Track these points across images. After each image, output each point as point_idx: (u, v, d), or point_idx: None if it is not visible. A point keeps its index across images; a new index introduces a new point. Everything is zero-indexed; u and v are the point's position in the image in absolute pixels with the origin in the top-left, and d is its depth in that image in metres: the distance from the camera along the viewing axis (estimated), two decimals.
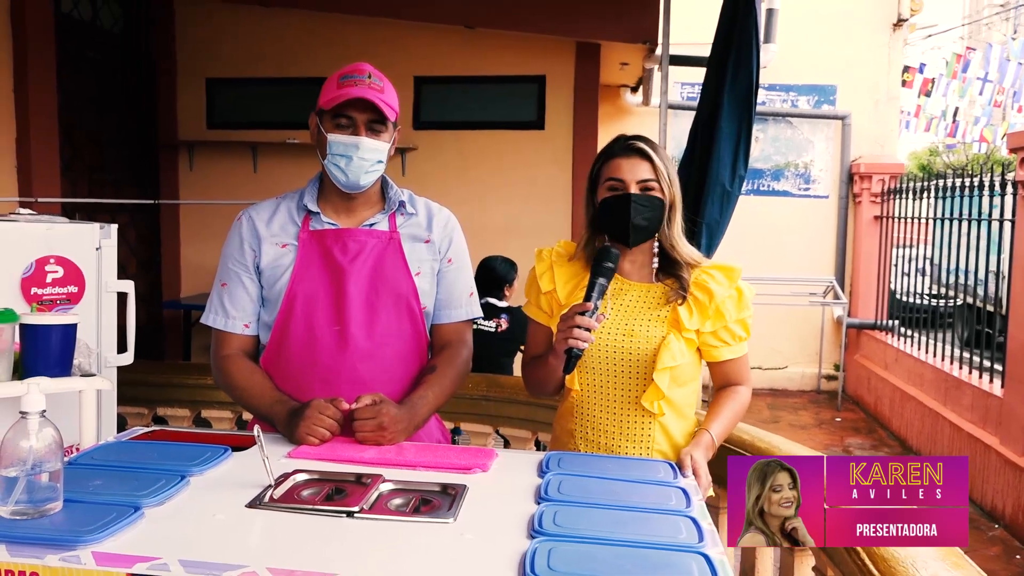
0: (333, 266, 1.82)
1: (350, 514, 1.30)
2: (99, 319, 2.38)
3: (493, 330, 4.03)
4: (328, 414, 1.67)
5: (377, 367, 1.83)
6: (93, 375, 1.89)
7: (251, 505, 1.33)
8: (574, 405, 1.84)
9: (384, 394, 1.77)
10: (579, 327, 1.63)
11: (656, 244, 1.83)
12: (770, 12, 6.31)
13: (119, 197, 5.73)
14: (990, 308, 6.39)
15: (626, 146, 1.79)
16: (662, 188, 1.78)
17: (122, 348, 2.49)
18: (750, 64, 3.55)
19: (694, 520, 1.31)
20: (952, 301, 6.96)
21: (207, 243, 6.11)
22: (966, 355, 6.02)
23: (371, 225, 1.87)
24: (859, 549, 1.71)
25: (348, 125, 1.78)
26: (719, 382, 1.88)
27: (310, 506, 1.34)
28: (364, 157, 1.79)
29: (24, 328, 1.79)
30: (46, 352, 1.79)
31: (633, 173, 1.76)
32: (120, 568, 1.09)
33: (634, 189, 1.76)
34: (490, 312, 4.07)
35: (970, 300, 7.06)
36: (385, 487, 1.44)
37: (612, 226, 1.79)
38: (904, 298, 7.40)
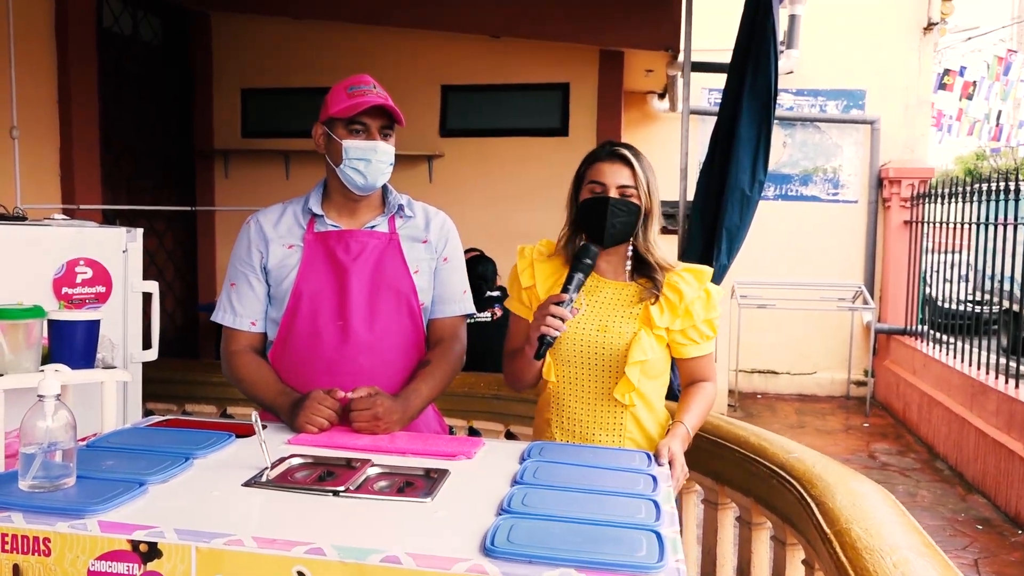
0: (337, 265, 1.94)
1: (336, 493, 1.41)
2: (125, 317, 2.53)
3: (489, 319, 4.16)
4: (327, 404, 1.79)
5: (378, 359, 1.94)
6: (115, 368, 2.03)
7: (247, 484, 1.45)
8: (551, 397, 1.95)
9: (384, 384, 1.89)
10: (553, 316, 1.74)
11: (631, 247, 1.93)
12: (792, 18, 6.33)
13: (158, 204, 5.95)
14: None
15: (610, 152, 1.90)
16: (639, 195, 1.87)
17: (147, 344, 2.64)
18: (768, 70, 3.60)
19: (655, 502, 1.40)
20: (995, 307, 6.82)
21: None
22: (992, 360, 5.95)
23: (372, 227, 1.99)
24: (832, 538, 1.78)
25: (363, 131, 1.91)
26: (686, 379, 1.98)
27: (300, 486, 1.46)
28: (381, 160, 1.91)
29: (51, 323, 1.94)
30: (71, 346, 1.93)
31: (614, 177, 1.87)
32: (121, 535, 1.21)
33: (613, 193, 1.86)
34: (483, 304, 4.21)
35: (1014, 307, 6.94)
36: (373, 471, 1.55)
37: (590, 226, 1.89)
38: (946, 304, 7.26)
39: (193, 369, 3.94)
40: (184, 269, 6.41)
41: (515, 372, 1.96)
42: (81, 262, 2.41)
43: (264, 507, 1.37)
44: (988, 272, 6.31)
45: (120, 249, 2.51)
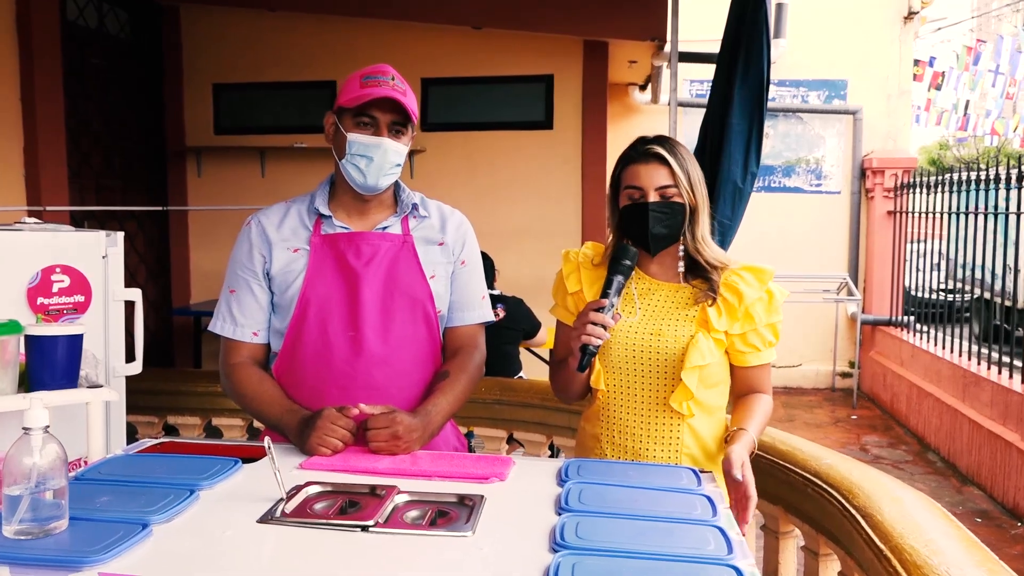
0: (347, 270, 1.78)
1: (365, 528, 1.26)
2: (106, 328, 2.34)
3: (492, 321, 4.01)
4: (340, 424, 1.63)
5: (392, 372, 1.79)
6: (100, 386, 1.85)
7: (262, 520, 1.29)
8: (600, 408, 1.79)
9: (399, 399, 1.75)
10: (593, 323, 1.61)
11: (681, 247, 1.78)
12: (779, 7, 6.25)
13: (127, 204, 5.71)
14: (1007, 303, 6.31)
15: (644, 151, 1.74)
16: (681, 193, 1.72)
17: (131, 357, 2.45)
18: (760, 60, 3.48)
19: (721, 530, 1.26)
20: (966, 296, 6.87)
21: (216, 249, 6.09)
22: (984, 350, 5.93)
23: (384, 228, 1.83)
24: (889, 555, 1.66)
25: (370, 125, 1.75)
26: (741, 389, 1.81)
27: (323, 520, 1.30)
28: (386, 159, 1.75)
29: (29, 339, 1.75)
30: (52, 364, 1.75)
31: (651, 180, 1.71)
32: None
33: (653, 196, 1.71)
34: None
35: (985, 295, 6.99)
36: (400, 499, 1.40)
37: (632, 234, 1.76)
38: (918, 293, 7.30)
39: (174, 378, 3.75)
40: (157, 272, 6.18)
41: (562, 383, 1.83)
42: (57, 270, 2.21)
43: (285, 547, 1.21)
44: (977, 262, 6.29)
45: (99, 255, 2.32)
